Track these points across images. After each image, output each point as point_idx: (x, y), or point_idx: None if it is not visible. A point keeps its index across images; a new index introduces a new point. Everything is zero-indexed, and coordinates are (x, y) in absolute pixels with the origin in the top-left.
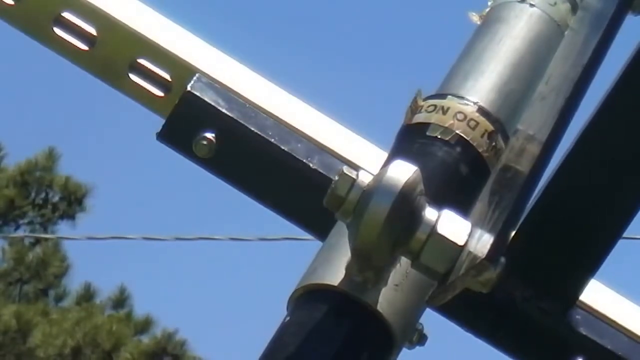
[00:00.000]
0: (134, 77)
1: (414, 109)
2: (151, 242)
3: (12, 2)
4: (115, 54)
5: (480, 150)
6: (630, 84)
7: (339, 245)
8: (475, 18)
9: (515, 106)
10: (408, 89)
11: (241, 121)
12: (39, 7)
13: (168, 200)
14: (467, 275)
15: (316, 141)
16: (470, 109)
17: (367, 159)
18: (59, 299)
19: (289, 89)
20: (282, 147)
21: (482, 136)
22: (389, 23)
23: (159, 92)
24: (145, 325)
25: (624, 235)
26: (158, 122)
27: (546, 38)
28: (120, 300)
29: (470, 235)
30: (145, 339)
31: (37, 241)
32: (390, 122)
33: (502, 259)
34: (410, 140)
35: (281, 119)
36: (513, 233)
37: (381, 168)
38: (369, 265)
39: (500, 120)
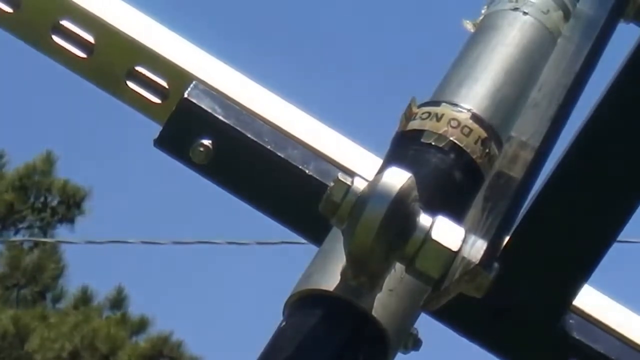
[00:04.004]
0: (131, 85)
1: (409, 116)
2: (150, 246)
3: (11, 10)
4: (113, 61)
5: (473, 157)
6: (625, 89)
7: (335, 251)
8: (469, 26)
9: (508, 113)
10: (403, 96)
11: (237, 128)
12: (38, 15)
13: (167, 205)
14: (461, 281)
15: (312, 148)
16: (464, 116)
17: (362, 165)
18: (56, 300)
19: (285, 96)
20: (278, 154)
21: (475, 143)
22: (384, 31)
23: (156, 99)
24: (141, 326)
25: (617, 239)
26: (155, 127)
27: (539, 45)
28: (118, 301)
29: (464, 240)
30: (142, 342)
31: (36, 245)
32: (385, 129)
33: (496, 264)
34: (405, 147)
35: (277, 126)
36: (507, 239)
37: (376, 174)
38: (363, 271)
39: (493, 127)
